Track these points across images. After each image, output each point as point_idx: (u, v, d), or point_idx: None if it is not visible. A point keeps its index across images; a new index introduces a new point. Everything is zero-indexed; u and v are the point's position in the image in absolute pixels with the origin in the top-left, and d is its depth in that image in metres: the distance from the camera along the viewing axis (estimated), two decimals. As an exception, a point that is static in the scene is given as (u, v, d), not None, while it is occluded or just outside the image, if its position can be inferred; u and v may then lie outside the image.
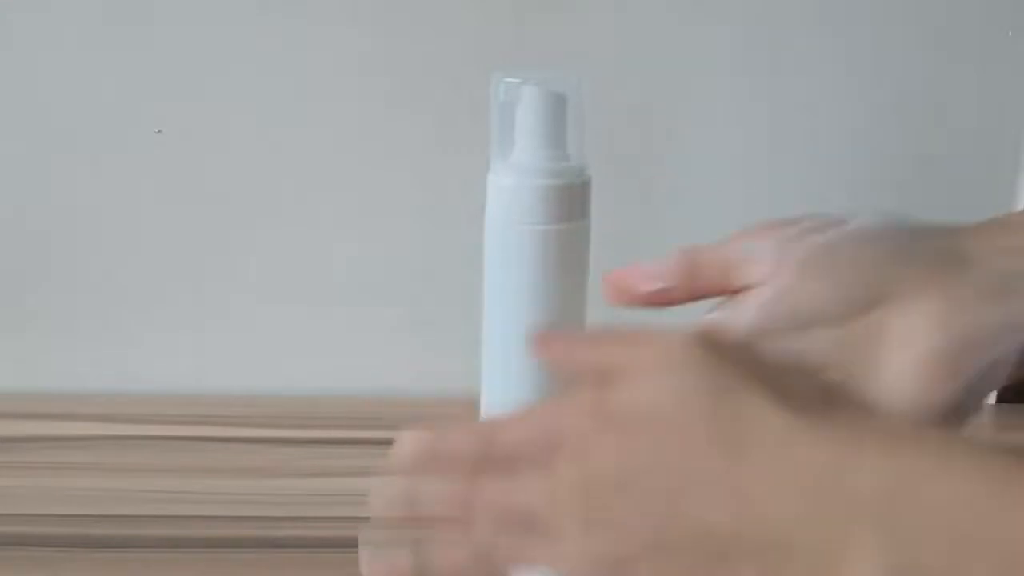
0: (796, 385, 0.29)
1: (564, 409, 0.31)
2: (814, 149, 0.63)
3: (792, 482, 0.26)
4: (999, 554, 0.25)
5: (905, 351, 0.32)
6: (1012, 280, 0.33)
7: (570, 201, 0.45)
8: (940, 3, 0.62)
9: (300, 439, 0.58)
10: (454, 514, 0.31)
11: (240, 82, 0.61)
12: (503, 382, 0.47)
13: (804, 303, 0.33)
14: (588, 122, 0.46)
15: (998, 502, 0.25)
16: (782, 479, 0.26)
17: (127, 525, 0.48)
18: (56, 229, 0.63)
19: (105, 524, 0.48)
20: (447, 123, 0.61)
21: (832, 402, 0.29)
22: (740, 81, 0.62)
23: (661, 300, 0.37)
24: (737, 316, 0.34)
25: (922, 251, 0.34)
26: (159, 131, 0.61)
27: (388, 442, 0.59)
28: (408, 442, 0.32)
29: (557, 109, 0.45)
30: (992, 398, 0.67)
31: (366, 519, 0.49)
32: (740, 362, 0.29)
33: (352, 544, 0.47)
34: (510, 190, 0.45)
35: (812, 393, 0.29)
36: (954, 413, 0.32)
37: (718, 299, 0.36)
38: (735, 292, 0.35)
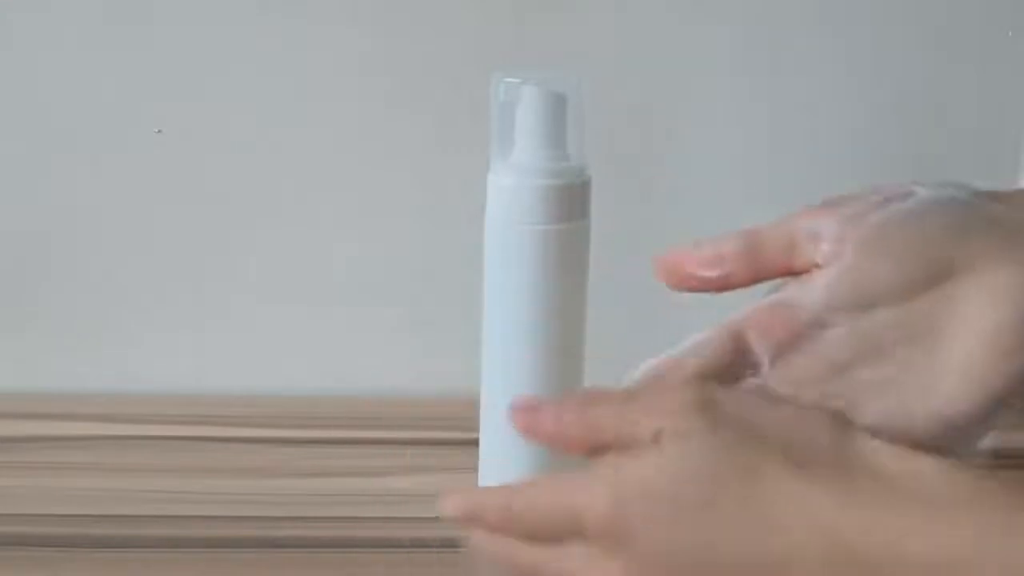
0: (807, 445, 0.29)
1: (582, 490, 0.30)
2: (814, 149, 0.63)
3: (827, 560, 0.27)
4: None
5: (973, 326, 0.31)
6: None
7: (570, 201, 0.45)
8: (940, 3, 0.62)
9: (300, 439, 0.58)
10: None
11: (240, 82, 0.61)
12: (503, 382, 0.47)
13: (868, 283, 0.33)
14: (588, 122, 0.46)
15: None
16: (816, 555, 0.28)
17: (127, 525, 0.48)
18: (56, 229, 0.63)
19: (105, 524, 0.48)
20: (447, 123, 0.61)
21: (844, 455, 0.29)
22: (740, 81, 0.62)
23: (720, 285, 0.36)
24: (804, 296, 0.34)
25: (984, 223, 0.33)
26: (159, 131, 0.61)
27: (388, 442, 0.59)
28: (450, 506, 0.33)
29: (557, 109, 0.45)
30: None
31: (366, 519, 0.49)
32: (747, 427, 0.30)
33: (351, 544, 0.47)
34: (510, 190, 0.46)
35: (824, 452, 0.29)
36: None
37: (776, 281, 0.36)
38: (797, 273, 0.35)
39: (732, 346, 0.34)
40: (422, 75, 0.61)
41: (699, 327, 0.63)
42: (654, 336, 0.66)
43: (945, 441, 0.32)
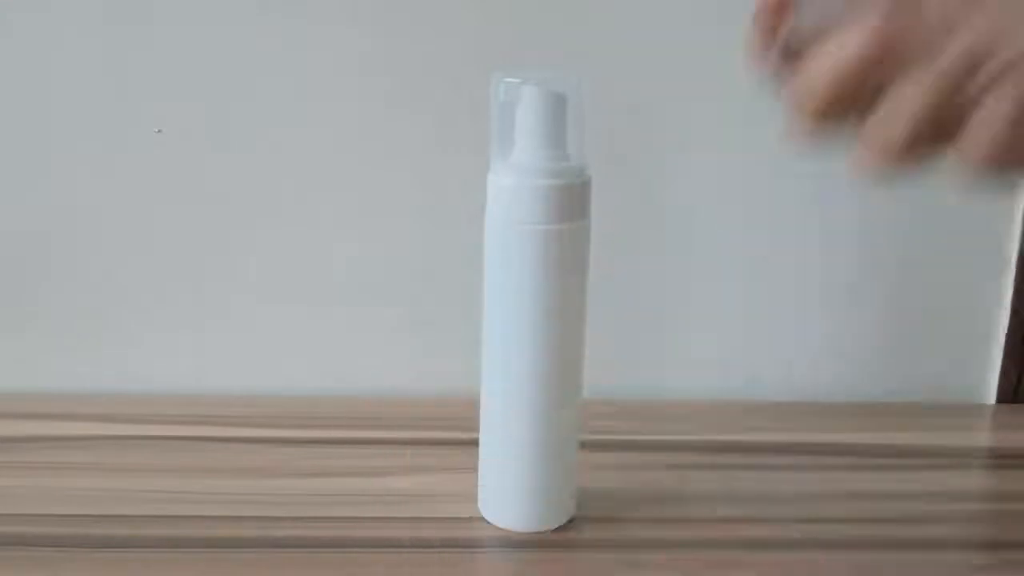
0: None
1: None
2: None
3: None
4: None
5: None
6: None
7: (570, 201, 0.45)
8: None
9: (300, 439, 0.58)
10: None
11: (240, 82, 0.61)
12: (503, 382, 0.48)
13: None
14: (588, 122, 0.46)
15: None
16: None
17: (127, 525, 0.48)
18: (56, 229, 0.63)
19: (105, 524, 0.48)
20: (447, 123, 0.61)
21: None
22: (740, 80, 0.62)
23: None
24: None
25: None
26: (159, 131, 0.61)
27: (388, 442, 0.59)
28: None
29: (557, 109, 0.45)
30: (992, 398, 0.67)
31: (365, 519, 0.49)
32: None
33: (351, 544, 0.47)
34: (510, 190, 0.45)
35: None
36: None
37: None
38: None
39: None
40: (422, 75, 0.61)
41: (697, 326, 0.63)
42: (654, 336, 0.67)
43: None
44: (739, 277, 0.65)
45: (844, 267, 0.65)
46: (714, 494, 0.53)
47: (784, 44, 0.34)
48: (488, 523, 0.49)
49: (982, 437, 0.63)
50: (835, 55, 0.31)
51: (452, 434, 0.57)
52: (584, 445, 0.50)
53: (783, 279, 0.65)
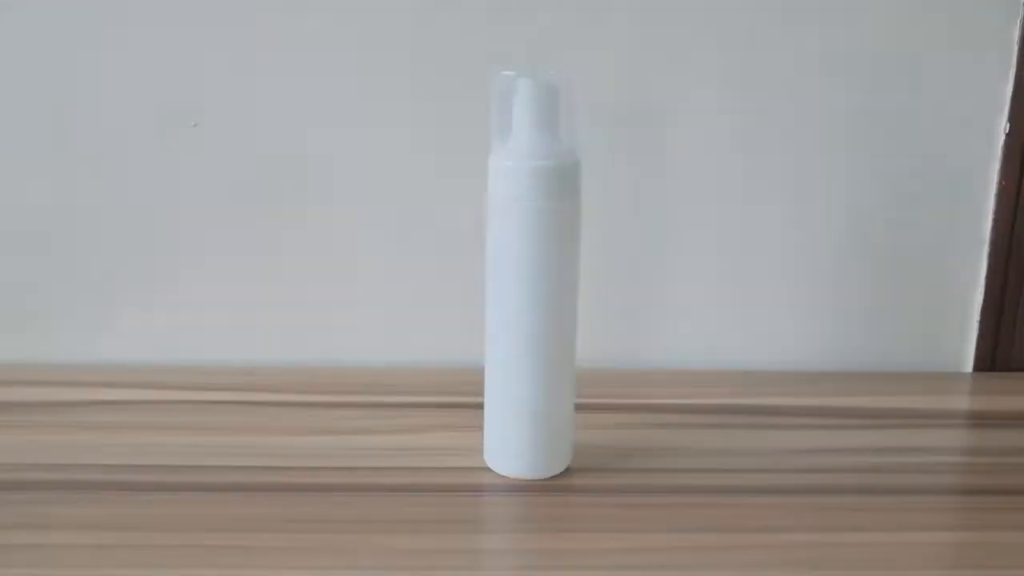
0: None
1: None
2: (814, 146, 0.65)
3: None
4: None
5: None
6: None
7: (561, 180, 0.49)
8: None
9: (321, 403, 0.62)
10: None
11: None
12: (505, 344, 0.51)
13: None
14: (588, 121, 0.49)
15: None
16: None
17: (169, 473, 0.53)
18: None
19: (152, 472, 0.53)
20: (451, 111, 0.64)
21: None
22: (740, 80, 0.64)
23: None
24: None
25: None
26: (195, 124, 0.64)
27: (403, 405, 0.63)
28: None
29: (550, 99, 0.49)
30: (969, 367, 0.71)
31: (381, 469, 0.54)
32: None
33: (367, 488, 0.52)
34: (508, 171, 0.49)
35: None
36: None
37: None
38: None
39: None
40: (428, 68, 0.64)
41: (684, 302, 0.66)
42: (642, 310, 0.70)
43: None
44: (723, 254, 0.67)
45: (826, 244, 0.67)
46: (695, 448, 0.57)
47: None
48: (494, 472, 0.54)
49: (959, 400, 0.66)
50: None
51: (459, 398, 0.62)
52: (578, 407, 0.54)
53: (766, 256, 0.68)
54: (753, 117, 0.65)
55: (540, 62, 0.62)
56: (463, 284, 0.65)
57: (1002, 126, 0.66)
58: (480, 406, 0.54)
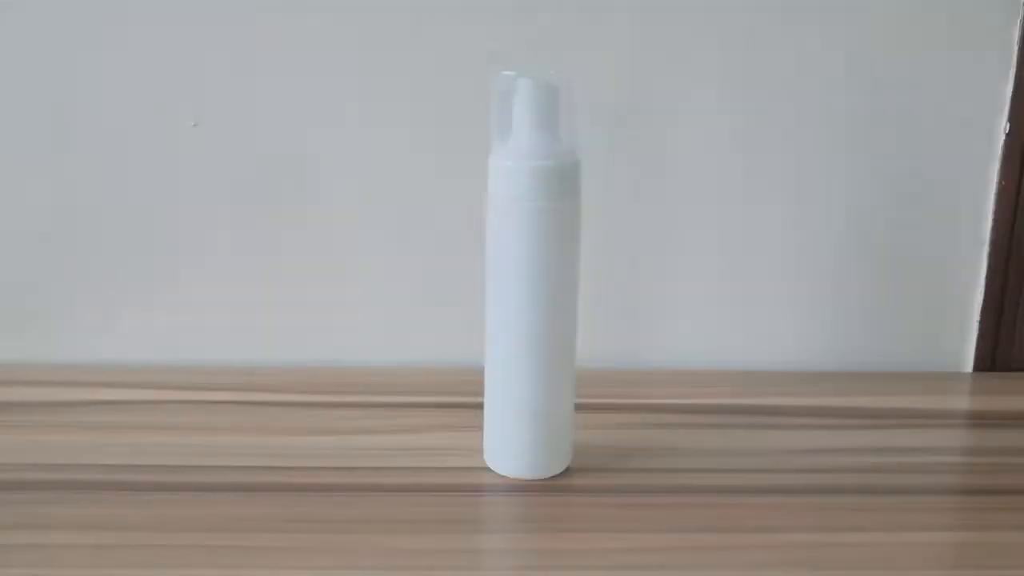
0: None
1: None
2: (814, 146, 0.66)
3: None
4: None
5: None
6: None
7: (561, 180, 0.49)
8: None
9: (321, 403, 0.62)
10: None
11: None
12: (505, 344, 0.52)
13: None
14: (588, 120, 0.49)
15: None
16: None
17: (171, 473, 0.53)
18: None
19: (152, 472, 0.53)
20: (451, 112, 0.64)
21: None
22: (740, 80, 0.64)
23: None
24: None
25: None
26: (195, 124, 0.64)
27: (403, 405, 0.64)
28: None
29: (550, 99, 0.49)
30: (969, 367, 0.71)
31: (381, 469, 0.54)
32: None
33: (368, 488, 0.52)
34: (508, 171, 0.49)
35: None
36: None
37: None
38: None
39: None
40: (429, 70, 0.64)
41: (684, 302, 0.66)
42: (642, 310, 0.70)
43: None
44: (723, 254, 0.67)
45: (826, 244, 0.67)
46: (695, 448, 0.57)
47: None
48: (494, 472, 0.54)
49: (959, 400, 0.66)
50: None
51: (459, 398, 0.62)
52: (578, 407, 0.54)
53: (766, 256, 0.68)
54: (753, 117, 0.65)
55: (540, 62, 0.62)
56: (463, 284, 0.65)
57: (1002, 126, 0.66)
58: (480, 406, 0.54)
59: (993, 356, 0.70)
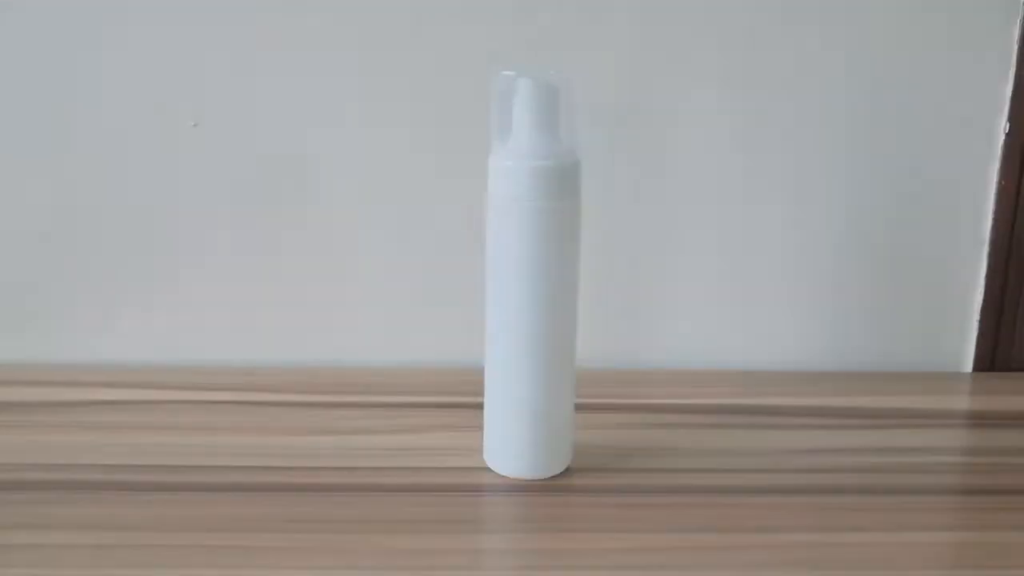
0: None
1: None
2: (814, 146, 0.66)
3: None
4: None
5: None
6: None
7: (561, 180, 0.50)
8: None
9: (322, 403, 0.62)
10: None
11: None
12: (505, 344, 0.52)
13: None
14: (588, 120, 0.50)
15: None
16: None
17: (170, 473, 0.53)
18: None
19: (152, 472, 0.53)
20: (451, 112, 0.64)
21: None
22: (740, 80, 0.65)
23: None
24: None
25: None
26: (195, 124, 0.64)
27: (402, 405, 0.64)
28: None
29: (550, 99, 0.49)
30: (969, 367, 0.71)
31: (381, 469, 0.54)
32: None
33: (368, 488, 0.52)
34: (508, 171, 0.49)
35: None
36: None
37: None
38: None
39: None
40: (429, 70, 0.64)
41: (684, 302, 0.66)
42: (642, 310, 0.70)
43: None
44: (723, 254, 0.67)
45: (826, 244, 0.67)
46: (695, 448, 0.57)
47: None
48: (494, 472, 0.54)
49: (959, 400, 0.66)
50: None
51: (459, 398, 0.62)
52: (578, 407, 0.54)
53: (766, 256, 0.68)
54: (753, 117, 0.65)
55: (540, 62, 0.62)
56: (463, 284, 0.65)
57: (1002, 126, 0.66)
58: (480, 406, 0.54)
59: (993, 356, 0.70)
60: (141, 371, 0.67)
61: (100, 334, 0.68)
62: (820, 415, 0.62)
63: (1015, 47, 0.65)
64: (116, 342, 0.68)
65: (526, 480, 0.53)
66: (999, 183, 0.67)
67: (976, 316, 0.69)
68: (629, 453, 0.57)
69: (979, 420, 0.63)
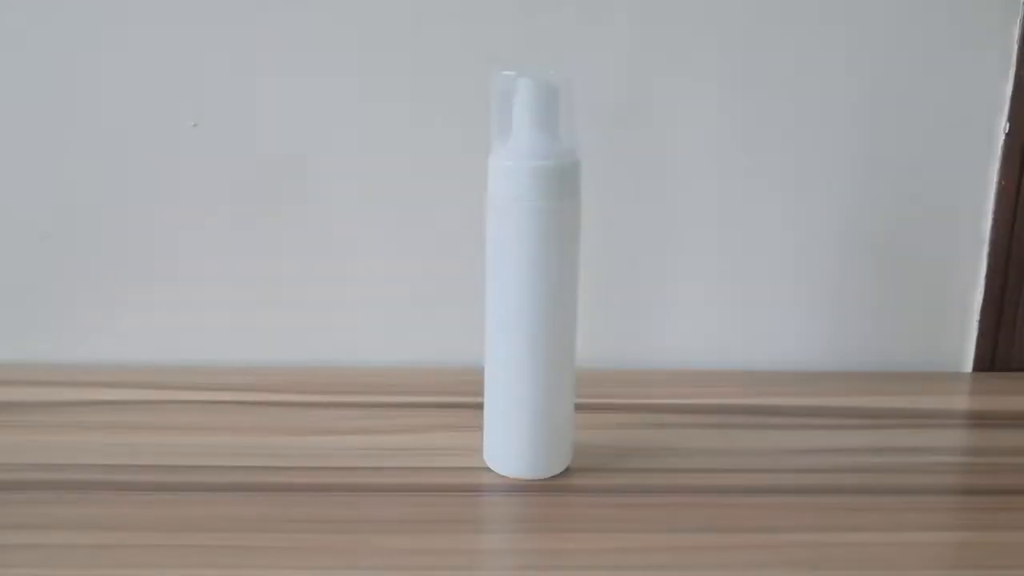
0: None
1: None
2: (814, 146, 0.66)
3: None
4: None
5: None
6: None
7: (561, 180, 0.50)
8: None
9: (322, 403, 0.62)
10: None
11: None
12: (505, 345, 0.52)
13: None
14: (588, 120, 0.50)
15: None
16: None
17: (169, 473, 0.54)
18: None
19: (152, 472, 0.53)
20: (451, 112, 0.64)
21: None
22: (740, 80, 0.65)
23: None
24: None
25: None
26: (195, 124, 0.64)
27: (402, 405, 0.64)
28: None
29: (549, 98, 0.49)
30: (969, 367, 0.71)
31: (381, 469, 0.54)
32: None
33: (367, 488, 0.52)
34: (508, 171, 0.49)
35: None
36: None
37: None
38: None
39: None
40: (428, 70, 0.64)
41: (684, 302, 0.66)
42: (643, 310, 0.70)
43: None
44: (723, 254, 0.67)
45: (826, 244, 0.68)
46: (695, 448, 0.57)
47: None
48: (494, 472, 0.54)
49: (959, 400, 0.66)
50: None
51: (459, 398, 0.62)
52: (578, 407, 0.54)
53: (766, 256, 0.68)
54: (753, 117, 0.66)
55: (540, 62, 0.62)
56: (463, 284, 0.65)
57: (1002, 126, 0.66)
58: (480, 406, 0.54)
59: (993, 356, 0.70)
60: (141, 371, 0.67)
61: (100, 334, 0.68)
62: (820, 415, 0.62)
63: (1015, 47, 0.65)
64: (116, 342, 0.68)
65: (526, 480, 0.53)
66: (999, 183, 0.67)
67: (976, 316, 0.69)
68: (629, 453, 0.57)
69: (979, 420, 0.63)
